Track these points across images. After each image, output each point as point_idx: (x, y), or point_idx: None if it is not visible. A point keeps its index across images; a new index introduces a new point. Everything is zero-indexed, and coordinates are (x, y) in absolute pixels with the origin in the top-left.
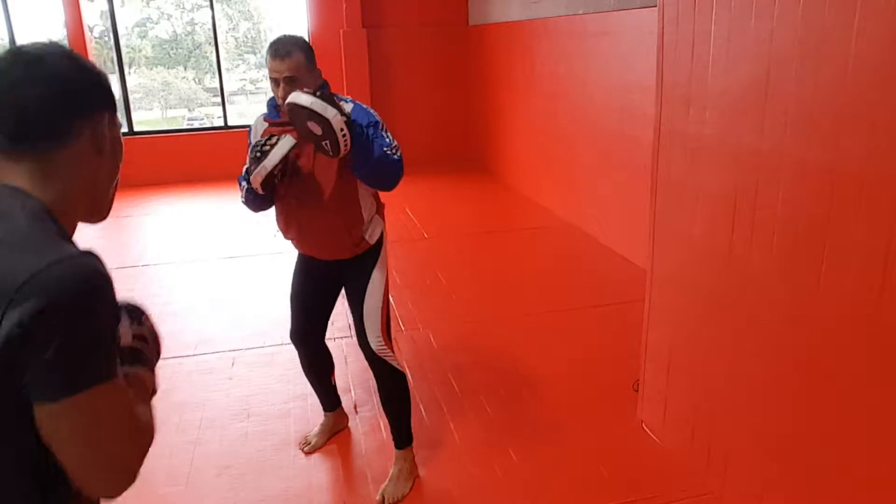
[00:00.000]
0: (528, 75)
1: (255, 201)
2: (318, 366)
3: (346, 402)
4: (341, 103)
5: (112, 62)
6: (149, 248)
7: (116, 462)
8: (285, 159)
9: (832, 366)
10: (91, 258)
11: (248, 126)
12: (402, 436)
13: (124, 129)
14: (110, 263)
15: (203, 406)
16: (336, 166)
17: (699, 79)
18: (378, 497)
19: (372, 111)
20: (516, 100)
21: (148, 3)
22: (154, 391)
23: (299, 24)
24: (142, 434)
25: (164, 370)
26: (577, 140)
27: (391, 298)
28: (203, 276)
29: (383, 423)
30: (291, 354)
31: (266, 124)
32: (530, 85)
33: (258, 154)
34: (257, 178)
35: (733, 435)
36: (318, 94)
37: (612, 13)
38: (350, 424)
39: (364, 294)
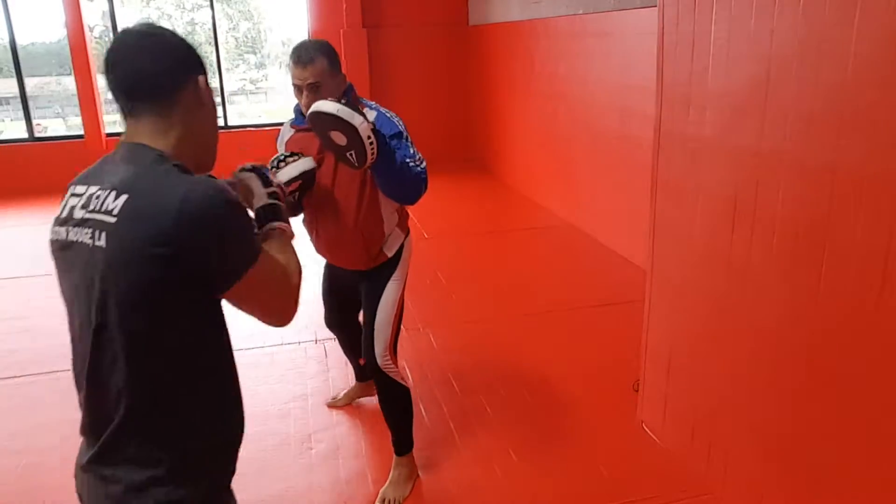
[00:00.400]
0: (528, 75)
1: None
2: (351, 345)
3: (349, 406)
4: (365, 110)
5: None
6: None
7: (287, 298)
8: (308, 179)
9: (832, 366)
10: (212, 179)
11: (248, 126)
12: (402, 444)
13: (124, 129)
14: None
15: None
16: (358, 182)
17: (699, 79)
18: (378, 500)
19: (396, 120)
20: (516, 100)
21: (148, 3)
22: (293, 236)
23: (299, 24)
24: (293, 276)
25: None
26: (577, 140)
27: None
28: None
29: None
30: (291, 355)
31: (292, 131)
32: (530, 85)
33: (272, 168)
34: None
35: (733, 435)
36: (342, 101)
37: (612, 13)
38: (350, 425)
39: (377, 306)
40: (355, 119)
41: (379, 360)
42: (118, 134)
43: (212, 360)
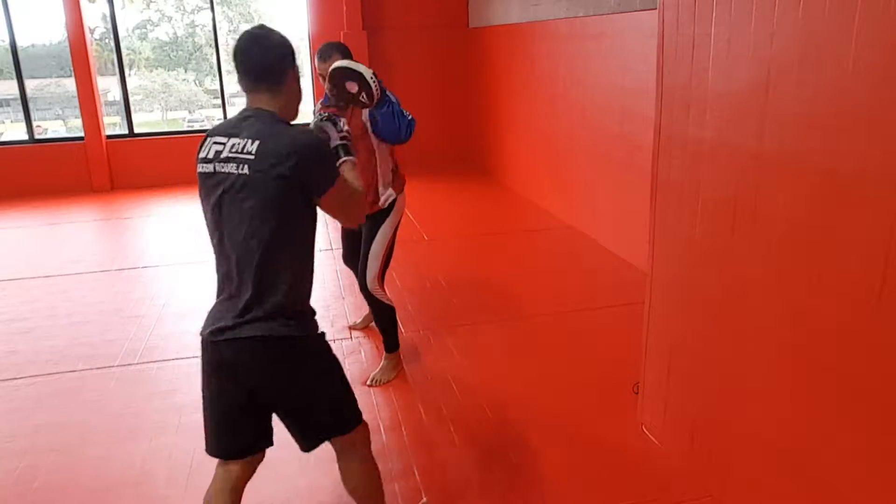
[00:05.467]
0: (528, 77)
1: None
2: None
3: None
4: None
5: (112, 64)
6: (149, 250)
7: (357, 210)
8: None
9: (832, 367)
10: (310, 131)
11: None
12: (390, 345)
13: (124, 132)
14: (110, 265)
15: None
16: (364, 152)
17: (699, 81)
18: (368, 381)
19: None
20: (516, 102)
21: (148, 6)
22: (355, 164)
23: (300, 27)
24: (360, 193)
25: (165, 372)
26: (577, 142)
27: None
28: (203, 277)
29: (383, 427)
30: None
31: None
32: (530, 87)
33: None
34: None
35: (733, 437)
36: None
37: (612, 16)
38: None
39: (371, 243)
40: (361, 67)
41: (369, 286)
42: (118, 136)
43: (308, 244)
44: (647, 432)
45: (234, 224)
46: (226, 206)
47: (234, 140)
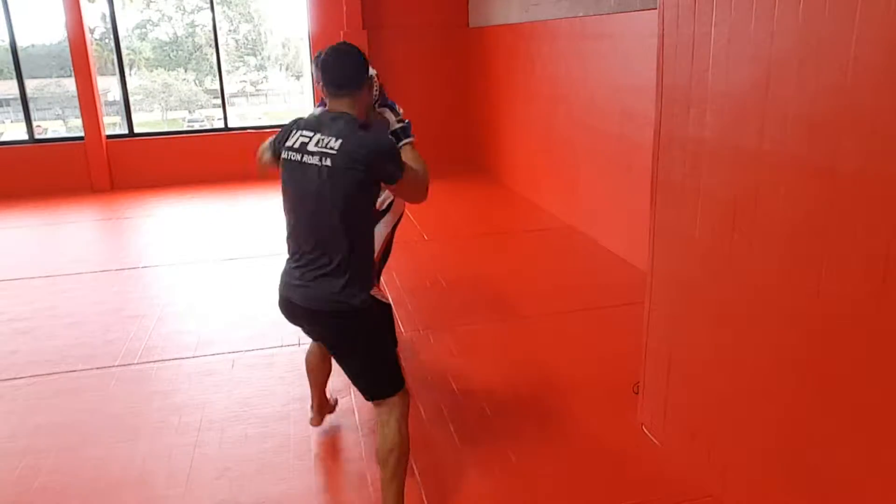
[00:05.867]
0: (528, 77)
1: None
2: None
3: (349, 407)
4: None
5: (112, 64)
6: (149, 250)
7: (422, 189)
8: None
9: (832, 367)
10: (379, 134)
11: (248, 128)
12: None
13: (124, 131)
14: (110, 265)
15: (203, 408)
16: None
17: (699, 81)
18: None
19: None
20: (516, 102)
21: (148, 5)
22: (414, 145)
23: (300, 27)
24: (423, 174)
25: (164, 371)
26: (577, 142)
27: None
28: (203, 277)
29: None
30: (291, 357)
31: None
32: (530, 87)
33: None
34: None
35: (733, 437)
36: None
37: (613, 15)
38: (349, 428)
39: None
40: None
41: None
42: (118, 136)
43: (370, 221)
44: (647, 432)
45: (314, 205)
46: (310, 189)
47: (319, 135)
